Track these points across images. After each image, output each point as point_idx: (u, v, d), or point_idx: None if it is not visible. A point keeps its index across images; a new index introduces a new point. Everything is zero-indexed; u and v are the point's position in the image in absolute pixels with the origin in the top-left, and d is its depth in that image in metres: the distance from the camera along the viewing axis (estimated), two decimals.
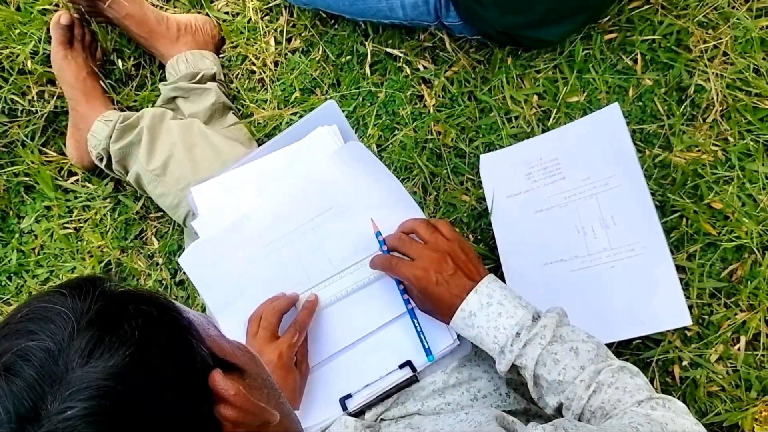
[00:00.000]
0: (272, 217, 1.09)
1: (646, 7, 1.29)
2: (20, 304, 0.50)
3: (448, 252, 0.93)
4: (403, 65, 1.39)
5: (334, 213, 1.08)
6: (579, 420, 0.81)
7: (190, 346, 0.51)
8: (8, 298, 1.47)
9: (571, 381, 0.82)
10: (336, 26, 1.44)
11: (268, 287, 1.07)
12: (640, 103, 1.26)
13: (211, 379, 0.50)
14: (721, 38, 1.24)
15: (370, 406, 1.04)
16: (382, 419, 1.04)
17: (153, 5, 1.46)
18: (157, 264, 1.44)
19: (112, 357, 0.45)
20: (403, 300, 1.01)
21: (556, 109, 1.29)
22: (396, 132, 1.36)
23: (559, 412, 0.85)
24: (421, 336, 1.00)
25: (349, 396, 1.04)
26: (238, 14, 1.49)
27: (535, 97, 1.31)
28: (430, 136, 1.35)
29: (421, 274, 0.92)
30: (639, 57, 1.27)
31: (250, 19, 1.47)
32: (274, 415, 0.54)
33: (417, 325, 1.01)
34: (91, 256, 1.45)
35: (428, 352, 1.00)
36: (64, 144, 1.48)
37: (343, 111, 1.29)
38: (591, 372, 0.81)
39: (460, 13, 1.27)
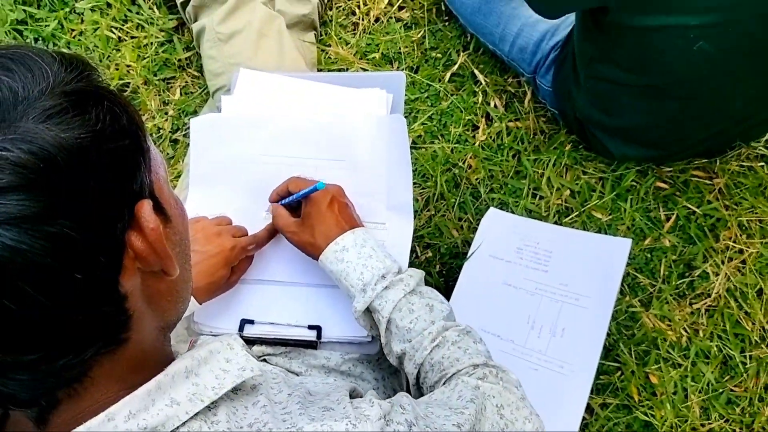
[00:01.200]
0: (289, 134, 1.10)
1: (707, 181, 1.31)
2: (15, 44, 0.50)
3: (335, 196, 0.98)
4: (479, 92, 1.41)
5: (341, 165, 1.09)
6: (418, 372, 0.86)
7: (137, 166, 0.51)
8: None
9: (420, 331, 0.86)
10: (447, 23, 1.46)
11: (251, 191, 1.08)
12: (649, 255, 1.29)
13: (138, 205, 0.50)
14: (749, 248, 1.27)
15: (262, 342, 1.05)
16: (264, 359, 1.04)
17: None
18: (166, 113, 1.44)
19: (68, 131, 0.45)
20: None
21: (578, 213, 1.31)
22: (435, 141, 1.38)
23: (400, 362, 0.89)
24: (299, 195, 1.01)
25: (251, 322, 1.05)
26: None
27: (568, 191, 1.33)
28: (460, 164, 1.37)
29: (320, 194, 0.97)
30: (673, 217, 1.30)
31: None
32: (175, 269, 0.54)
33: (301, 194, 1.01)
34: (117, 69, 1.46)
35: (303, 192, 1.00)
36: None
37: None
38: (439, 327, 0.86)
39: (555, 82, 1.30)
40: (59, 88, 0.47)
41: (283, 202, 1.02)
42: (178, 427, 0.53)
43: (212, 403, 0.56)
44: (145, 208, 0.51)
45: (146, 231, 0.50)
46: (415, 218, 1.31)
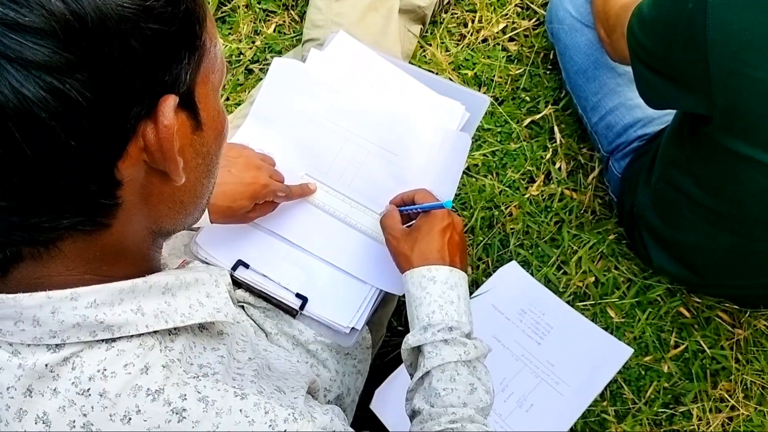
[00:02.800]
0: (358, 110, 1.09)
1: (729, 327, 1.28)
2: None
3: (455, 228, 0.95)
4: (550, 149, 1.39)
5: (392, 159, 1.08)
6: None
7: (177, 58, 0.48)
8: None
9: (447, 404, 0.81)
10: (548, 72, 1.44)
11: (300, 146, 1.08)
12: (643, 372, 1.26)
13: (163, 98, 0.48)
14: (741, 408, 1.23)
15: (247, 289, 1.05)
16: (242, 306, 1.04)
17: None
18: (253, 42, 1.45)
19: None
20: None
21: (594, 303, 1.29)
22: (489, 176, 1.36)
23: (412, 416, 0.85)
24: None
25: (246, 266, 1.04)
26: None
27: (593, 278, 1.31)
28: (503, 208, 1.35)
29: (439, 214, 0.94)
30: (682, 347, 1.27)
31: None
32: (179, 175, 0.51)
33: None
34: None
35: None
36: None
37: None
38: (466, 413, 0.81)
39: (627, 171, 1.27)
40: None
41: (404, 209, 1.00)
42: (132, 335, 0.52)
43: (174, 328, 0.55)
44: (168, 102, 0.48)
45: (159, 125, 0.48)
46: None
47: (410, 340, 0.87)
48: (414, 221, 0.98)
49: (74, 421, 0.50)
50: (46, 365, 0.50)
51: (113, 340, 0.51)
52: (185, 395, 0.52)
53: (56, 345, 0.50)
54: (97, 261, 0.52)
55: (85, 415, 0.50)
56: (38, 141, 0.43)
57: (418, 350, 0.87)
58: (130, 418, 0.50)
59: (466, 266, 0.94)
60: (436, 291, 0.88)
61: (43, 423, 0.50)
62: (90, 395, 0.50)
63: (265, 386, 0.60)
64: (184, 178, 0.52)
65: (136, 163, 0.49)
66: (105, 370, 0.50)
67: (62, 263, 0.51)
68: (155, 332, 0.53)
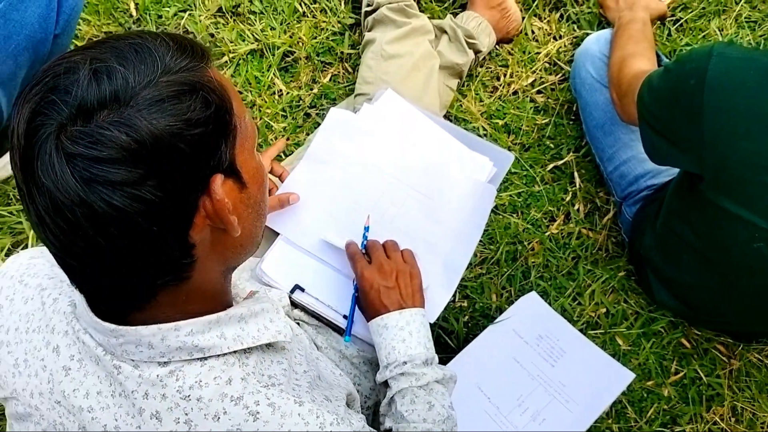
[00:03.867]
0: (401, 157, 1.26)
1: (724, 358, 1.43)
2: (138, 30, 0.63)
3: (398, 271, 1.12)
4: (570, 192, 1.56)
5: (427, 202, 1.25)
6: None
7: (217, 146, 0.62)
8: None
9: (411, 422, 0.99)
10: (572, 122, 1.62)
11: (347, 186, 1.25)
12: (645, 394, 1.42)
13: (212, 179, 0.62)
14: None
15: (303, 309, 1.23)
16: (298, 323, 1.23)
17: None
18: (311, 89, 1.65)
19: (162, 119, 0.57)
20: (353, 286, 1.18)
21: (604, 331, 1.45)
22: (514, 215, 1.54)
23: None
24: (350, 319, 1.17)
25: (302, 290, 1.23)
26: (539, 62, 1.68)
27: (604, 309, 1.47)
28: (526, 243, 1.52)
29: (367, 276, 1.11)
30: (681, 374, 1.42)
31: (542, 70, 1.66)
32: (235, 230, 0.67)
33: (352, 309, 1.18)
34: (291, 38, 1.67)
35: (348, 332, 1.17)
36: None
37: None
38: (425, 427, 0.99)
39: (637, 215, 1.44)
40: (165, 78, 0.59)
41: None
42: (218, 355, 0.70)
43: (248, 348, 0.72)
44: (217, 182, 0.62)
45: (213, 200, 0.63)
46: (467, 270, 1.47)
47: (378, 378, 1.06)
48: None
49: (179, 419, 0.67)
50: (158, 376, 0.67)
51: (205, 358, 0.68)
52: (258, 401, 0.68)
53: (164, 362, 0.67)
54: (184, 303, 0.68)
55: (186, 414, 0.67)
56: (131, 232, 0.59)
57: (385, 384, 1.06)
58: (219, 418, 0.67)
59: (420, 299, 1.11)
60: (389, 335, 1.06)
61: (156, 419, 0.67)
62: (190, 399, 0.67)
63: (316, 396, 0.77)
64: (240, 230, 0.67)
65: (203, 229, 0.64)
66: (201, 381, 0.67)
67: (158, 310, 0.67)
68: (234, 352, 0.71)
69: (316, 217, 1.24)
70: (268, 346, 0.77)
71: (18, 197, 1.48)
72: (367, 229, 1.21)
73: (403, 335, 1.06)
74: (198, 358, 0.68)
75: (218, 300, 0.74)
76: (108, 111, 0.57)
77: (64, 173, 0.56)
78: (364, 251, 1.18)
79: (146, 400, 0.68)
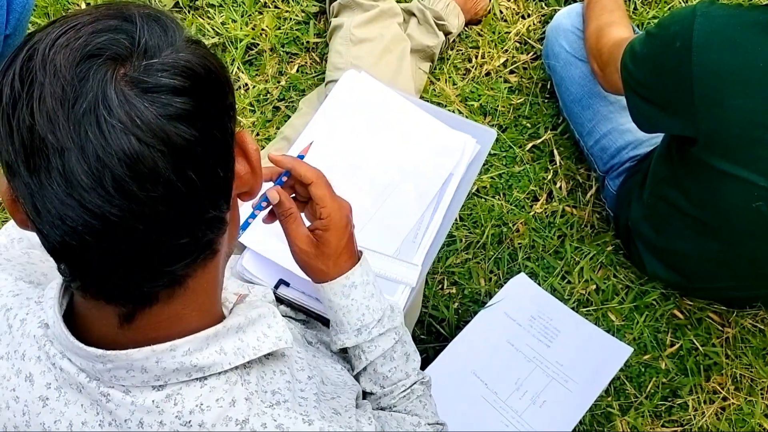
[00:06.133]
0: (380, 144, 1.23)
1: (719, 326, 1.41)
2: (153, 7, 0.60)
3: (351, 218, 0.91)
4: (551, 170, 1.53)
5: (408, 181, 1.20)
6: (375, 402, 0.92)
7: (233, 105, 0.60)
8: None
9: (395, 381, 0.91)
10: (547, 100, 1.59)
11: (343, 154, 1.20)
12: (643, 369, 1.39)
13: (239, 134, 0.61)
14: (732, 398, 1.36)
15: (289, 304, 1.18)
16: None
17: None
18: (279, 82, 1.59)
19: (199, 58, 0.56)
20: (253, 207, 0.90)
21: (596, 308, 1.43)
22: (497, 197, 1.51)
23: (363, 395, 0.92)
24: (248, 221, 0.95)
25: (287, 284, 1.18)
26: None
27: (594, 286, 1.45)
28: (510, 225, 1.49)
29: (345, 205, 0.90)
30: (677, 346, 1.40)
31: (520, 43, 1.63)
32: (260, 186, 0.65)
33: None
34: (253, 29, 1.61)
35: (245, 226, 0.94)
36: None
37: None
38: (411, 381, 0.92)
39: (621, 188, 1.42)
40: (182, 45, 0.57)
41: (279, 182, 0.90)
42: (218, 373, 0.63)
43: (248, 362, 0.66)
44: (246, 133, 0.62)
45: (250, 152, 0.62)
46: (452, 256, 1.44)
47: (347, 343, 0.91)
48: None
49: None
50: (153, 401, 0.61)
51: (205, 378, 0.63)
52: (265, 424, 0.64)
53: (160, 386, 0.61)
54: (204, 295, 0.62)
55: None
56: (201, 171, 0.54)
57: (354, 347, 0.94)
58: None
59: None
60: (359, 295, 0.90)
61: None
62: (191, 425, 0.61)
63: (325, 411, 0.71)
64: (260, 185, 0.66)
65: (235, 199, 0.62)
66: (202, 404, 0.62)
67: (181, 302, 0.60)
68: (236, 368, 0.65)
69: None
70: (267, 355, 0.71)
71: None
72: (302, 157, 0.96)
73: (371, 289, 0.91)
74: (197, 378, 0.63)
75: (213, 309, 0.68)
76: (159, 51, 0.55)
77: (140, 111, 0.51)
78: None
79: (141, 428, 0.62)
